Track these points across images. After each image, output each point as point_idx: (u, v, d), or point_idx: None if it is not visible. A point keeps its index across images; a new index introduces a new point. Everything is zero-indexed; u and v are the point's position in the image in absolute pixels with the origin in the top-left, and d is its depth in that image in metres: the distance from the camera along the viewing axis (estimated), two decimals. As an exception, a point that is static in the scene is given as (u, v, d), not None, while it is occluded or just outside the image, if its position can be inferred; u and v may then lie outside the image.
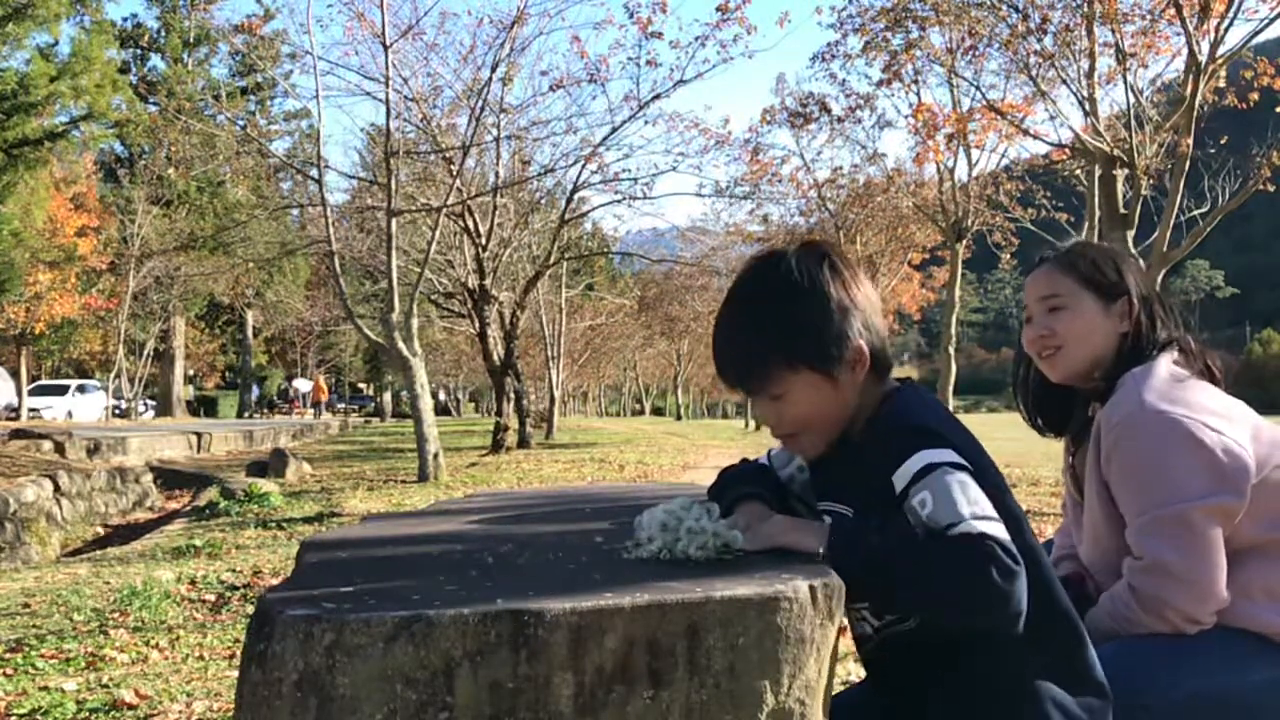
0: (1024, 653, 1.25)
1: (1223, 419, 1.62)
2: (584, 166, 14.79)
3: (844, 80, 15.81)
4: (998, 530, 1.15)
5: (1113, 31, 10.08)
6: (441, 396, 47.75)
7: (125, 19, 34.84)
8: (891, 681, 1.40)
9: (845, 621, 1.22)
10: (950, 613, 1.20)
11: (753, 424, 33.06)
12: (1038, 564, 1.28)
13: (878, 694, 1.44)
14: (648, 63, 13.10)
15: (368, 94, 12.82)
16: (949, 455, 1.22)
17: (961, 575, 1.14)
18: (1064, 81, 10.75)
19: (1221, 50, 9.20)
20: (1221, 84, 10.02)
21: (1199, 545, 1.56)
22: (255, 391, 43.98)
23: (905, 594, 1.21)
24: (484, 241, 14.36)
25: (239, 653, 2.58)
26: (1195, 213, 11.23)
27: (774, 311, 1.34)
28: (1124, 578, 1.64)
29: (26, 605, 4.63)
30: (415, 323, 10.99)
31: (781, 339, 1.33)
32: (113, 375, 31.96)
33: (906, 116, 15.08)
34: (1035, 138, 12.55)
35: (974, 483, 1.20)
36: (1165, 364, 1.71)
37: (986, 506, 1.18)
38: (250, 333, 40.72)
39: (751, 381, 1.37)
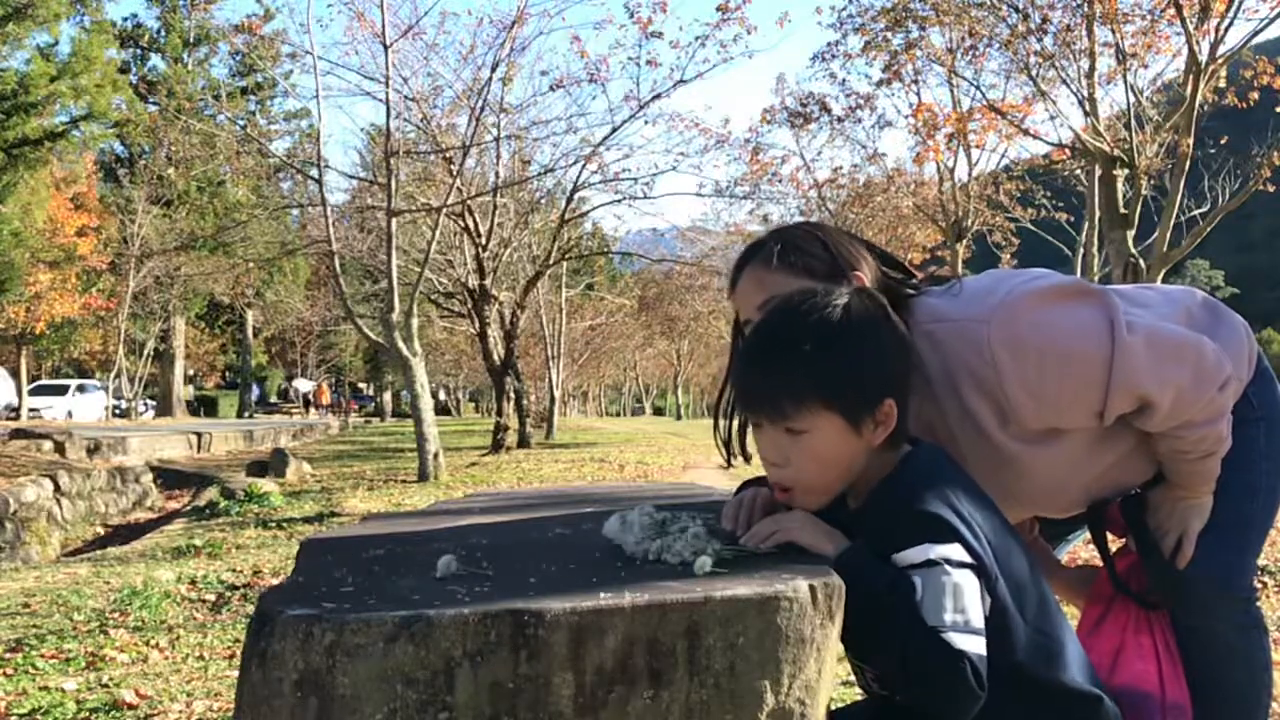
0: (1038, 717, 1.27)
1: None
2: (584, 166, 14.79)
3: (844, 80, 15.77)
4: (976, 647, 1.16)
5: (1113, 31, 10.08)
6: (441, 396, 47.66)
7: (125, 19, 34.75)
8: None
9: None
10: (903, 687, 1.23)
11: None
12: (1047, 634, 1.29)
13: None
14: (648, 63, 13.11)
15: (368, 94, 12.85)
16: (955, 552, 1.19)
17: (930, 674, 1.16)
18: (1064, 81, 10.76)
19: (1221, 50, 9.20)
20: (1221, 84, 10.02)
21: (1157, 347, 1.45)
22: (256, 392, 43.92)
23: (878, 646, 1.22)
24: (484, 241, 14.35)
25: (239, 653, 2.58)
26: (1195, 213, 11.26)
27: (830, 344, 1.26)
28: (1165, 445, 1.52)
29: (26, 605, 4.62)
30: (415, 322, 10.99)
31: (827, 374, 1.25)
32: (113, 375, 31.91)
33: (906, 116, 15.09)
34: (1035, 138, 12.57)
35: (972, 583, 1.19)
36: (922, 303, 1.51)
37: (974, 616, 1.17)
38: (250, 333, 40.65)
39: (778, 407, 1.27)
